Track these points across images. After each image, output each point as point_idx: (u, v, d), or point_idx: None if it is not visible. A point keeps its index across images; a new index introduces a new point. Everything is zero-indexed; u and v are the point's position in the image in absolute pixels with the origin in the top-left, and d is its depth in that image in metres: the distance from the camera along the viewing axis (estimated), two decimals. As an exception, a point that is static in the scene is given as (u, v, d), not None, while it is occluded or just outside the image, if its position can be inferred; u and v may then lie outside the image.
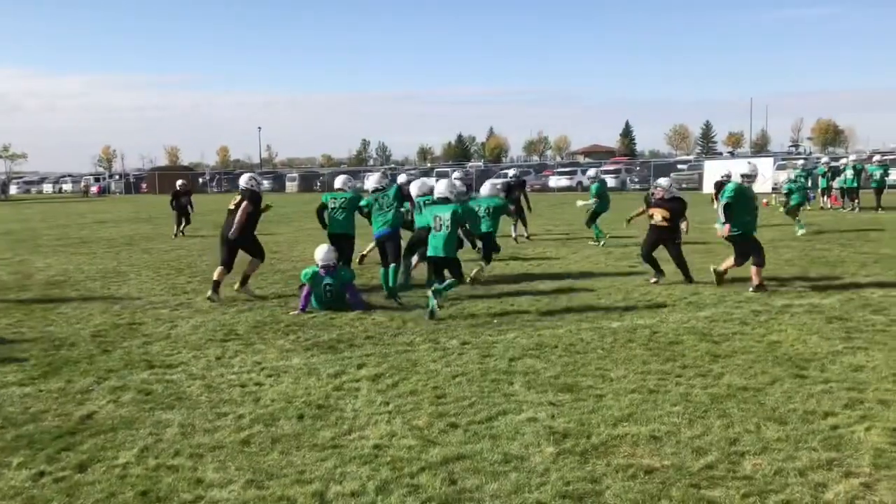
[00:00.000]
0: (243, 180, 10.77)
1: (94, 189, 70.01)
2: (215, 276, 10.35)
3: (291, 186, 64.03)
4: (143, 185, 70.83)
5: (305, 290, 9.35)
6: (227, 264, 10.37)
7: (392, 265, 9.97)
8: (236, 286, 10.46)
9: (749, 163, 12.12)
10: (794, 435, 4.80)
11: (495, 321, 8.46)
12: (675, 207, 10.92)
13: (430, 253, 9.21)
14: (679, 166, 49.88)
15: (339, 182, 11.69)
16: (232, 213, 10.41)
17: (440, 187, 9.55)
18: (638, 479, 4.23)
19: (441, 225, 9.04)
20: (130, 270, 13.63)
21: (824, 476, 4.20)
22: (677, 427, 5.02)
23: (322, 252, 9.40)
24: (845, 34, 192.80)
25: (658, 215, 10.90)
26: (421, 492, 4.16)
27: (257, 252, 10.53)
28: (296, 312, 9.18)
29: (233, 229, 10.20)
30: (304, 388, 6.15)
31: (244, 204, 10.30)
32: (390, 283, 9.90)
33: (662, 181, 11.41)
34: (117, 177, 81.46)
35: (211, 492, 4.25)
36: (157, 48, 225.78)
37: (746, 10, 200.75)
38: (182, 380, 6.47)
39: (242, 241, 10.40)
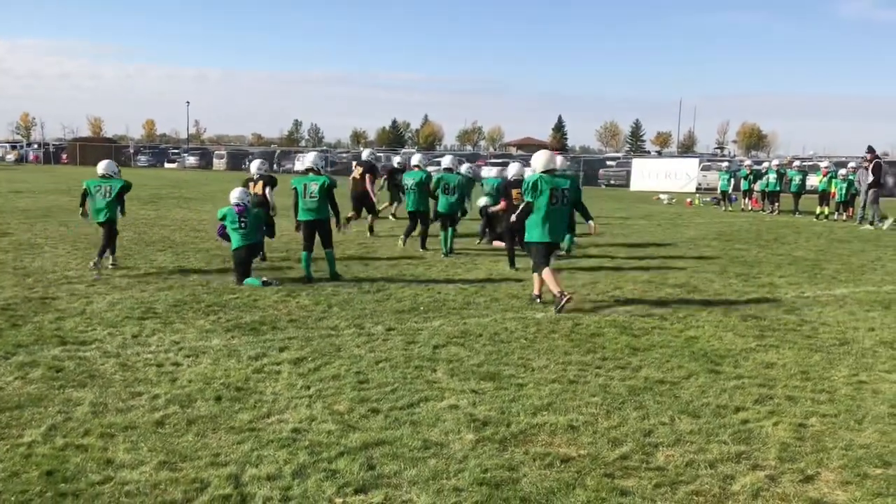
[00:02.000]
0: (364, 154, 16.44)
1: (32, 156, 67.72)
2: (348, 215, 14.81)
3: (219, 164, 62.83)
4: (64, 156, 68.31)
5: (220, 225, 9.92)
6: (358, 211, 15.58)
7: (307, 252, 10.07)
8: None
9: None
10: (706, 428, 4.94)
11: (422, 308, 8.46)
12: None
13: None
14: (608, 163, 50.70)
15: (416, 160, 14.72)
16: (358, 180, 15.35)
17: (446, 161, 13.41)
18: (554, 467, 4.29)
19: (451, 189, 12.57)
20: (46, 243, 13.13)
21: (733, 468, 4.33)
22: (595, 417, 5.10)
23: (235, 193, 9.98)
24: (772, 41, 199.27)
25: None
26: (338, 477, 4.12)
27: (368, 209, 15.44)
28: (217, 240, 10.53)
29: (359, 191, 15.36)
30: (223, 369, 6.03)
31: (368, 176, 15.24)
32: (307, 271, 10.06)
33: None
34: (36, 145, 78.25)
35: (121, 473, 4.12)
36: (89, 15, 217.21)
37: (678, 13, 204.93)
38: (96, 357, 6.26)
39: (362, 199, 15.33)
